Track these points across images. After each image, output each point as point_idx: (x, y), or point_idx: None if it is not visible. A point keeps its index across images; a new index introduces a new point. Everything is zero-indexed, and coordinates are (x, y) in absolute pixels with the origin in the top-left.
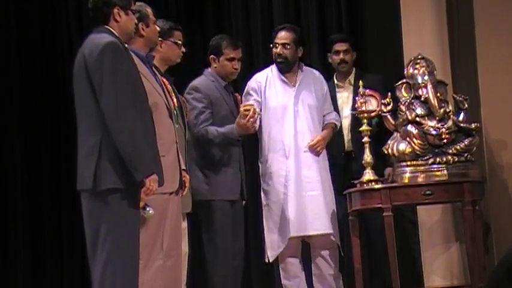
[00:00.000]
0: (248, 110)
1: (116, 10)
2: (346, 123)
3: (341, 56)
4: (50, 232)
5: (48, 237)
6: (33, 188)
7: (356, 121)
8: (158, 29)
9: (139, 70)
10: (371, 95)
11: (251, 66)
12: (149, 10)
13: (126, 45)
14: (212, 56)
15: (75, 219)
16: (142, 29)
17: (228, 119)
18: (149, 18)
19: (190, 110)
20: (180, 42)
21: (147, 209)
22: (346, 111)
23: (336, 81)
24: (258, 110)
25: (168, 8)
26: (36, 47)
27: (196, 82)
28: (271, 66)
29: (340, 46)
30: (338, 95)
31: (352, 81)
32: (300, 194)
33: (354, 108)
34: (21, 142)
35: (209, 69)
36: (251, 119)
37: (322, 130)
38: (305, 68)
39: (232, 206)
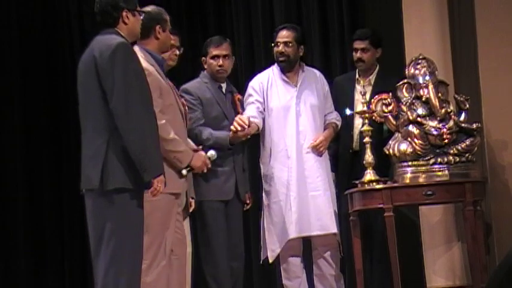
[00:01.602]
0: (243, 122)
1: (124, 13)
2: (357, 121)
3: (358, 54)
4: (51, 232)
5: (49, 237)
6: (34, 187)
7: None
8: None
9: (158, 71)
10: (387, 99)
11: (253, 67)
12: (168, 17)
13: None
14: (203, 57)
15: (77, 219)
16: (159, 32)
17: (219, 120)
18: (167, 24)
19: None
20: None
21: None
22: (359, 109)
23: (356, 76)
24: (248, 123)
25: (170, 8)
26: (38, 47)
27: (187, 84)
28: (272, 67)
29: (357, 44)
30: (356, 91)
31: (373, 81)
32: (303, 194)
33: (368, 108)
34: (22, 142)
35: (204, 72)
36: (241, 133)
37: (324, 130)
38: (306, 67)
39: (225, 206)
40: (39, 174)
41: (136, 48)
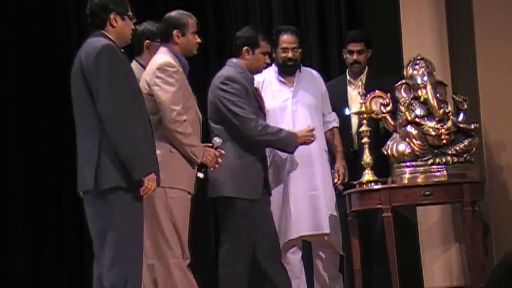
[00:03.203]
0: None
1: (112, 15)
2: (353, 121)
3: (354, 56)
4: (50, 232)
5: (48, 237)
6: (34, 187)
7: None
8: (198, 40)
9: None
10: (380, 96)
11: None
12: (190, 21)
13: (122, 50)
14: (246, 47)
15: (75, 219)
16: (177, 37)
17: (258, 114)
18: (186, 28)
19: (229, 103)
20: None
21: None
22: (354, 110)
23: (348, 77)
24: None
25: (167, 6)
26: (37, 47)
27: (230, 72)
28: (269, 68)
29: (353, 46)
30: (348, 92)
31: (364, 81)
32: (301, 194)
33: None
34: (22, 142)
35: (234, 60)
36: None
37: (327, 136)
38: (303, 68)
39: (254, 204)
40: (39, 174)
41: (164, 50)
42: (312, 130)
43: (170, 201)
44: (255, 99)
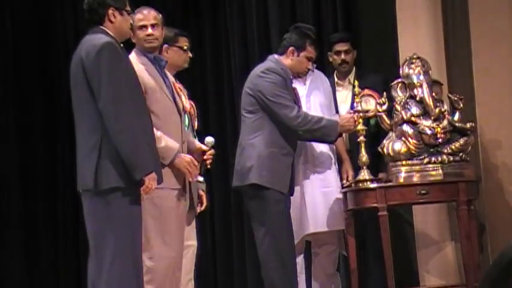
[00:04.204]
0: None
1: (110, 11)
2: None
3: (342, 56)
4: (45, 232)
5: (43, 237)
6: (29, 187)
7: None
8: (146, 32)
9: (147, 70)
10: (369, 95)
11: (246, 66)
12: (135, 18)
13: (121, 45)
14: (292, 48)
15: (71, 219)
16: (133, 37)
17: None
18: (133, 27)
19: (269, 93)
20: (186, 47)
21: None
22: (344, 110)
23: (336, 80)
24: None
25: (164, 7)
26: (32, 47)
27: (272, 65)
28: None
29: (341, 46)
30: (337, 94)
31: (352, 81)
32: (317, 191)
33: (352, 108)
34: (18, 142)
35: (276, 56)
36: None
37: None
38: (314, 68)
39: (283, 197)
40: (34, 174)
41: (133, 51)
42: (354, 116)
43: (146, 201)
44: (293, 92)
